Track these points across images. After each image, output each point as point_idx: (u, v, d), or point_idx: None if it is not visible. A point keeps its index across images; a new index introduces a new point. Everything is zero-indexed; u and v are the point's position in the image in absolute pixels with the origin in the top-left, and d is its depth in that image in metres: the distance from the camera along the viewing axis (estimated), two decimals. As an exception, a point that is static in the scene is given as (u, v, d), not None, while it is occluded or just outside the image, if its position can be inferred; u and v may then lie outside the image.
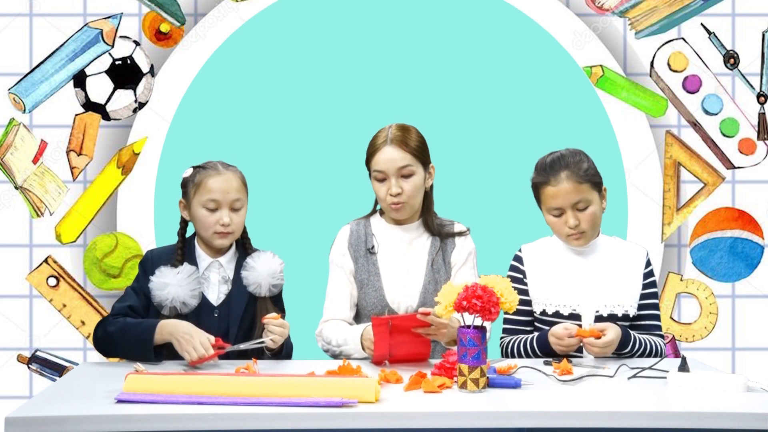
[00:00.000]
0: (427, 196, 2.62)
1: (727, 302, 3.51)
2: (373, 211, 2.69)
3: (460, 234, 2.63)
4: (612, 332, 2.33)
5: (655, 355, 2.44)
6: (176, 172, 2.55)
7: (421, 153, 2.58)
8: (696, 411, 1.88)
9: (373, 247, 2.60)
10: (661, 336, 2.51)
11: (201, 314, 2.43)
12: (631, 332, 2.41)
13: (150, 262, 2.47)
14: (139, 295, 2.43)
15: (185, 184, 2.51)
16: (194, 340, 2.25)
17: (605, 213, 2.53)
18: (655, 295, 2.54)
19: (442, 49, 3.53)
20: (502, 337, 2.57)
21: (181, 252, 2.48)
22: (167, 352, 2.32)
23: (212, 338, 2.28)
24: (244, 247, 2.55)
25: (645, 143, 3.51)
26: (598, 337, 2.32)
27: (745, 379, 2.05)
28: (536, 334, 2.48)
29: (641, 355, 2.42)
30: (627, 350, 2.39)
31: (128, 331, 2.33)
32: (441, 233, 2.61)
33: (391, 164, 2.53)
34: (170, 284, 2.40)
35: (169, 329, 2.29)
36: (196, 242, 2.52)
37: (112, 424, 1.80)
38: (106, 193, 3.47)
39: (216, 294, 2.49)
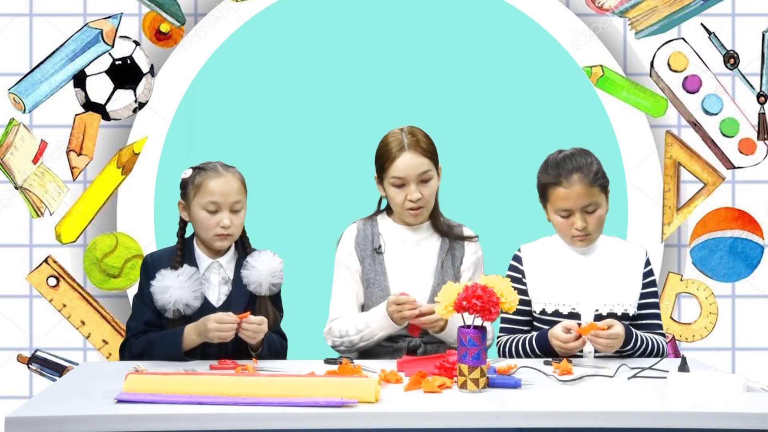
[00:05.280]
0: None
1: (727, 302, 3.50)
2: (379, 211, 2.67)
3: (470, 239, 2.63)
4: (618, 326, 2.33)
5: (657, 354, 2.44)
6: (176, 172, 2.55)
7: (435, 155, 2.57)
8: (696, 411, 1.88)
9: (380, 246, 2.58)
10: (663, 335, 2.52)
11: (202, 316, 2.40)
12: (633, 330, 2.41)
13: (150, 266, 2.46)
14: (149, 306, 2.43)
15: (184, 185, 2.50)
16: (211, 322, 2.29)
17: (605, 213, 2.53)
18: (655, 294, 2.54)
19: (442, 49, 3.53)
20: (499, 336, 2.56)
21: (181, 253, 2.48)
22: (200, 351, 2.38)
23: (228, 314, 2.32)
24: (243, 247, 2.54)
25: (645, 143, 3.51)
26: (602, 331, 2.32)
27: (745, 379, 2.05)
28: (535, 333, 2.47)
29: (643, 353, 2.42)
30: (629, 347, 2.38)
31: (154, 346, 2.36)
32: (450, 234, 2.60)
33: (411, 170, 2.51)
34: (172, 287, 2.39)
35: (193, 332, 2.34)
36: (195, 243, 2.51)
37: (112, 424, 1.80)
38: (106, 193, 3.47)
39: (216, 295, 2.48)
